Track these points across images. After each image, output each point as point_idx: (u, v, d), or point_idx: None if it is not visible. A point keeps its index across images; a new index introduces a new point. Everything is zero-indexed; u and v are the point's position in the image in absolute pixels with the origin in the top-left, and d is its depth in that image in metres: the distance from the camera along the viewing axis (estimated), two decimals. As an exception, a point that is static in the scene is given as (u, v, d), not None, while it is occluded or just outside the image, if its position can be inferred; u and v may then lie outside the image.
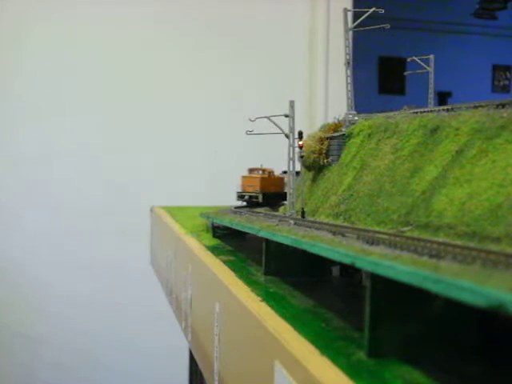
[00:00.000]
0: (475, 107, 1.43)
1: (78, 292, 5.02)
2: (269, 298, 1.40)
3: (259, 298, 1.38)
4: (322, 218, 1.83)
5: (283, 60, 5.27)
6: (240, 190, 2.76)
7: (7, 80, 5.01)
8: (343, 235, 1.27)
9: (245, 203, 2.89)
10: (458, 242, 1.06)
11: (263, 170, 2.86)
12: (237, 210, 2.49)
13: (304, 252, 1.27)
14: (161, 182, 5.08)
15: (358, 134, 1.95)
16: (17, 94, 5.01)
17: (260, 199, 2.68)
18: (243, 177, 2.81)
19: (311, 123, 4.82)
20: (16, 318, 5.03)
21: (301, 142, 2.14)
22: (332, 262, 1.55)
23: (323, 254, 1.15)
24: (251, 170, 2.86)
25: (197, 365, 2.30)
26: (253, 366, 1.26)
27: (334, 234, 1.31)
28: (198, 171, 5.09)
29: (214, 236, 2.47)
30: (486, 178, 1.15)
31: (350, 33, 2.16)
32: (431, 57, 2.37)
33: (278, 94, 4.56)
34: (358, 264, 0.99)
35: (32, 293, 5.03)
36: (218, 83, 5.21)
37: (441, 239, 1.12)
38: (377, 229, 1.39)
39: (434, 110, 1.65)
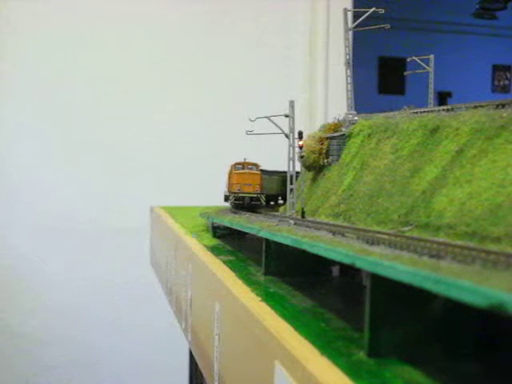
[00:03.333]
0: (475, 107, 1.43)
1: (77, 292, 5.02)
2: (269, 298, 1.40)
3: (259, 298, 1.38)
4: (322, 218, 1.83)
5: (283, 60, 5.27)
6: (233, 191, 2.28)
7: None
8: (343, 235, 1.27)
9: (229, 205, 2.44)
10: (458, 242, 1.06)
11: (253, 165, 2.40)
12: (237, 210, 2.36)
13: (304, 252, 1.27)
14: (161, 182, 5.08)
15: (358, 134, 1.95)
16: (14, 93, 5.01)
17: (263, 201, 2.24)
18: (237, 173, 2.31)
19: (311, 123, 4.82)
20: (16, 317, 5.03)
21: (301, 142, 2.14)
22: (332, 262, 1.55)
23: (323, 254, 1.15)
24: (238, 165, 2.38)
25: (197, 365, 2.30)
26: (253, 366, 1.26)
27: (334, 234, 1.31)
28: (198, 171, 5.09)
29: (214, 236, 2.47)
30: (486, 178, 1.15)
31: (350, 33, 2.16)
32: (431, 57, 2.37)
33: (278, 94, 4.56)
34: (358, 264, 0.99)
35: (32, 293, 5.03)
36: (217, 83, 5.21)
37: (441, 239, 1.12)
38: (377, 229, 1.40)
39: (434, 110, 1.65)
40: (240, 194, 2.23)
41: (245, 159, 2.37)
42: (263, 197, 2.24)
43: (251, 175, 2.28)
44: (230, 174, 2.36)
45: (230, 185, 2.34)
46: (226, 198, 2.53)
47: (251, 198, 2.22)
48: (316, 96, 5.30)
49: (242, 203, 2.24)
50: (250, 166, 2.35)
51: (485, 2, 7.54)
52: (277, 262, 1.67)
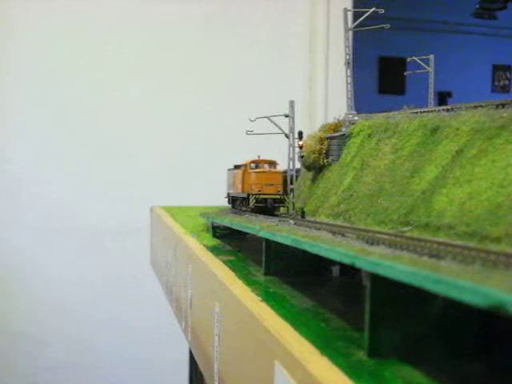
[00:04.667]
0: (475, 107, 1.43)
1: (77, 292, 5.02)
2: (269, 298, 1.40)
3: (259, 298, 1.38)
4: (322, 218, 1.83)
5: (283, 60, 5.27)
6: (253, 192, 1.99)
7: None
8: (343, 235, 1.27)
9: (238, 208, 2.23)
10: (458, 242, 1.06)
11: (270, 163, 2.13)
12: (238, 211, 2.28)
13: (304, 252, 1.27)
14: (161, 182, 5.08)
15: (358, 134, 1.95)
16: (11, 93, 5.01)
17: (287, 204, 1.96)
18: (256, 172, 2.06)
19: (311, 123, 4.82)
20: (16, 317, 5.03)
21: (301, 142, 2.14)
22: (332, 262, 1.55)
23: (323, 254, 1.15)
24: (253, 163, 2.14)
25: (197, 365, 2.30)
26: (253, 366, 1.26)
27: (334, 234, 1.31)
28: (198, 171, 5.09)
29: (214, 236, 2.47)
30: (486, 178, 1.15)
31: (350, 33, 2.17)
32: (431, 57, 2.37)
33: (278, 94, 4.56)
34: (358, 264, 0.99)
35: (32, 293, 5.03)
36: (217, 83, 5.21)
37: (441, 239, 1.12)
38: (377, 229, 1.40)
39: (434, 110, 1.65)
40: (261, 196, 1.96)
41: (259, 156, 2.17)
42: (287, 198, 1.96)
43: (273, 174, 2.03)
44: (245, 174, 2.12)
45: (246, 185, 2.08)
46: (233, 200, 2.32)
47: (274, 200, 1.96)
48: (316, 96, 5.30)
49: (264, 206, 1.96)
50: (266, 164, 2.12)
51: (485, 1, 7.55)
52: (277, 262, 1.67)
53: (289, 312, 1.27)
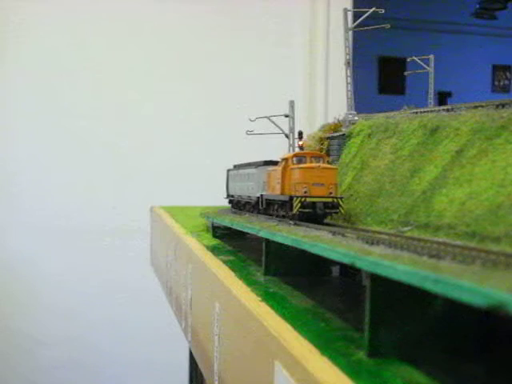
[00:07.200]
0: (475, 107, 1.44)
1: (78, 292, 5.02)
2: (269, 298, 1.40)
3: (259, 298, 1.38)
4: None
5: (283, 60, 5.27)
6: (297, 193, 1.56)
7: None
8: (343, 235, 1.27)
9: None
10: (458, 242, 1.06)
11: (319, 157, 1.68)
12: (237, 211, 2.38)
13: (304, 252, 1.27)
14: (161, 182, 5.08)
15: (358, 134, 1.95)
16: (15, 93, 5.01)
17: (342, 209, 1.54)
18: (301, 169, 1.59)
19: (311, 123, 4.82)
20: (16, 317, 5.03)
21: (301, 142, 2.14)
22: (332, 262, 1.55)
23: (323, 254, 1.15)
24: (297, 157, 1.67)
25: (197, 365, 2.30)
26: (253, 366, 1.26)
27: (334, 234, 1.31)
28: (197, 171, 5.08)
29: (214, 236, 2.47)
30: (486, 178, 1.15)
31: (350, 33, 2.17)
32: (431, 57, 2.38)
33: (278, 94, 4.56)
34: (358, 264, 0.99)
35: (33, 293, 5.03)
36: (218, 84, 5.21)
37: (441, 239, 1.12)
38: (377, 229, 1.40)
39: (434, 110, 1.66)
40: (309, 199, 1.53)
41: (302, 148, 1.74)
42: (342, 201, 1.56)
43: (324, 171, 1.57)
44: (286, 171, 1.69)
45: (288, 186, 1.67)
46: (267, 204, 1.86)
47: (325, 205, 1.54)
48: (316, 96, 5.30)
49: (312, 212, 1.54)
50: (314, 158, 1.67)
51: (485, 1, 7.55)
52: (277, 262, 1.66)
53: (289, 312, 1.27)
